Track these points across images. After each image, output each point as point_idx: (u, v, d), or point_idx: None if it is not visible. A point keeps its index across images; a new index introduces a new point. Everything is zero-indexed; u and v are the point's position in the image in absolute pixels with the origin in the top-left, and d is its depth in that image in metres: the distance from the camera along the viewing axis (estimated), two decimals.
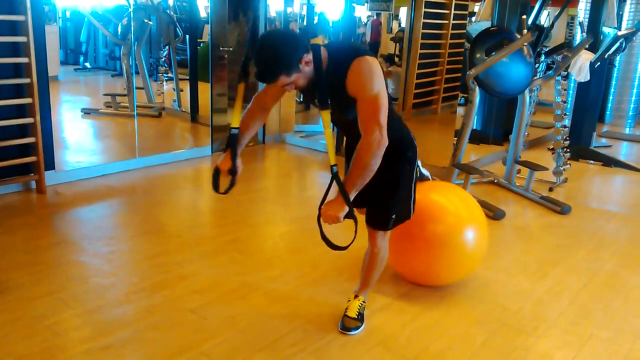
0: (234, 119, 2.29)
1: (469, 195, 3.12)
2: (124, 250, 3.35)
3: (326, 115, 2.17)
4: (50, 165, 4.30)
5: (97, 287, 2.87)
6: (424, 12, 6.26)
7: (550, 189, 4.90)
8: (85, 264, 3.12)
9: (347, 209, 2.12)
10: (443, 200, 2.94)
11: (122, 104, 6.03)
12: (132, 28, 5.60)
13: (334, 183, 2.18)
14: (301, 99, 6.94)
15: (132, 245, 3.43)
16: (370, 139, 2.09)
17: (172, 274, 3.04)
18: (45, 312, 2.59)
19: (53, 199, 4.11)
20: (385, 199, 2.42)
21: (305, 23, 6.98)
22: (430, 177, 3.12)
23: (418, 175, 2.98)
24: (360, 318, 2.62)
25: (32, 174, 4.15)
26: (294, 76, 2.04)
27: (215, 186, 2.32)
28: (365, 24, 7.27)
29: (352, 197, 2.12)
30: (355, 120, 2.17)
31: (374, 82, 2.09)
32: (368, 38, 7.47)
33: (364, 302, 2.67)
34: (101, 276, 2.98)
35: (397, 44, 8.32)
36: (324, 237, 2.25)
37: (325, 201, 2.21)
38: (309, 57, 2.05)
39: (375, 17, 7.87)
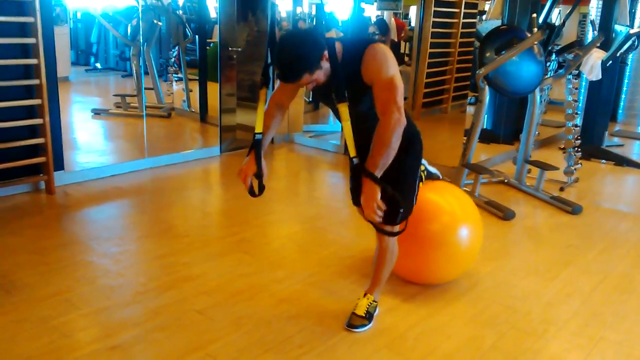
0: (258, 124, 2.34)
1: (463, 193, 3.10)
2: (132, 250, 3.35)
3: (344, 107, 2.20)
4: (59, 165, 4.32)
5: (105, 287, 2.87)
6: (434, 11, 6.22)
7: (561, 189, 4.85)
8: (93, 265, 3.12)
9: (379, 190, 2.16)
10: (438, 199, 2.92)
11: (132, 104, 6.05)
12: (141, 29, 5.62)
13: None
14: (310, 99, 6.93)
15: (140, 246, 3.43)
16: (390, 119, 2.14)
17: (180, 275, 3.04)
18: (52, 313, 2.60)
19: (62, 199, 4.13)
20: (395, 191, 2.40)
21: (314, 23, 6.96)
22: (440, 175, 3.09)
23: (426, 174, 2.98)
24: (368, 317, 2.61)
25: (42, 175, 4.17)
26: (316, 73, 2.11)
27: (251, 191, 2.40)
28: (375, 23, 7.23)
29: (378, 174, 2.17)
30: (369, 112, 2.22)
31: (389, 65, 2.15)
32: (395, 38, 7.44)
33: (374, 301, 2.66)
34: (109, 277, 2.99)
35: (407, 43, 8.29)
36: (378, 230, 2.43)
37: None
38: (327, 53, 2.12)
39: (395, 17, 7.84)
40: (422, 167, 2.98)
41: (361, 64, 2.15)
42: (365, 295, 2.66)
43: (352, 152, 2.25)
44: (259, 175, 2.34)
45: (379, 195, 2.17)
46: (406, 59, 7.74)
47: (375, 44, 2.16)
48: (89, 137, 5.88)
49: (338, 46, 2.19)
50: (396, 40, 7.41)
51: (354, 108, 2.27)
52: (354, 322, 2.59)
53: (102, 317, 2.60)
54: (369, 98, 2.20)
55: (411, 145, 2.40)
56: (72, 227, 3.70)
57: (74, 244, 3.40)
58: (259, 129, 2.34)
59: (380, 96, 2.16)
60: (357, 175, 2.25)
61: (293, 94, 2.47)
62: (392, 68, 2.15)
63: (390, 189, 2.20)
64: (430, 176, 3.02)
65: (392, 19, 7.49)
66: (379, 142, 2.16)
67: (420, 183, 2.94)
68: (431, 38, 6.35)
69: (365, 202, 2.19)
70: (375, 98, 2.18)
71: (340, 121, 2.35)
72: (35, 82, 3.97)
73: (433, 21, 6.29)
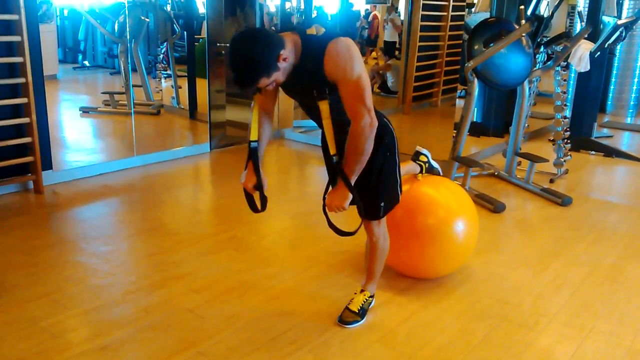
0: (252, 131, 2.27)
1: (459, 187, 3.10)
2: (121, 249, 3.33)
3: (325, 105, 2.13)
4: (47, 165, 4.28)
5: (94, 287, 2.85)
6: (423, 4, 6.22)
7: (551, 181, 4.87)
8: (82, 264, 3.10)
9: (351, 196, 2.17)
10: (433, 193, 2.92)
11: (120, 102, 6.00)
12: (128, 25, 5.57)
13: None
14: None
15: (130, 245, 3.41)
16: (362, 124, 2.10)
17: (170, 273, 3.03)
18: (41, 314, 2.58)
19: (50, 198, 4.10)
20: (372, 189, 2.39)
21: (303, 18, 6.93)
22: (440, 171, 3.07)
23: (427, 166, 2.96)
24: (361, 313, 2.61)
25: (30, 174, 4.14)
26: (274, 75, 2.01)
27: (252, 207, 2.37)
28: (366, 17, 7.24)
29: (352, 182, 2.16)
30: (334, 105, 2.14)
31: (354, 64, 2.05)
32: (372, 35, 7.45)
33: (370, 297, 2.66)
34: (98, 276, 2.97)
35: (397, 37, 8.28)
36: (331, 226, 2.29)
37: (328, 191, 2.24)
38: (285, 53, 2.00)
39: (374, 12, 7.85)
40: (425, 159, 2.98)
41: (323, 62, 2.04)
42: (361, 291, 2.66)
43: (332, 150, 2.19)
44: (258, 187, 2.30)
45: (348, 201, 2.18)
46: (396, 52, 7.73)
47: (338, 38, 2.04)
48: (77, 135, 5.83)
49: (296, 40, 2.06)
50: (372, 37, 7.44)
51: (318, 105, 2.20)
52: (346, 317, 2.59)
53: (92, 317, 2.58)
54: (334, 93, 2.10)
55: (380, 138, 2.31)
56: (61, 227, 3.67)
57: (63, 243, 3.37)
58: (253, 136, 2.27)
59: (347, 98, 2.08)
60: (335, 175, 2.23)
61: (274, 97, 2.37)
62: (358, 66, 2.04)
63: (358, 199, 2.20)
64: (431, 170, 3.00)
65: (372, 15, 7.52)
66: (354, 149, 2.13)
67: (420, 174, 2.94)
68: (420, 31, 6.35)
69: (332, 201, 2.19)
70: (343, 99, 2.10)
71: (313, 115, 2.30)
72: (21, 80, 3.93)
73: (422, 14, 6.29)
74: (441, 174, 3.08)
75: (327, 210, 2.26)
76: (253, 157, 2.30)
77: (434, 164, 3.03)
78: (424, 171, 2.96)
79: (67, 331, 2.47)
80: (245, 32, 2.02)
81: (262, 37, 1.98)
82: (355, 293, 2.67)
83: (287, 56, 2.02)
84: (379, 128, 2.33)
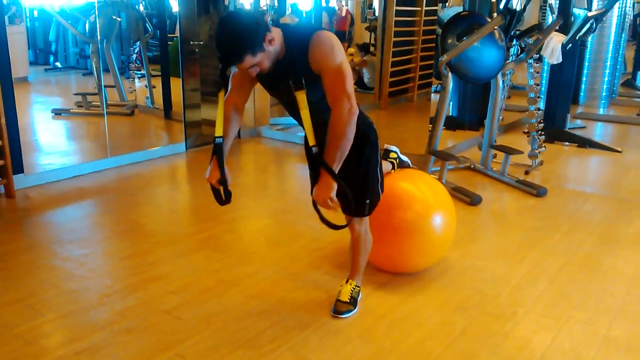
0: (217, 127, 2.24)
1: (436, 181, 3.11)
2: (96, 252, 3.28)
3: (302, 95, 2.14)
4: (18, 168, 4.20)
5: (69, 291, 2.80)
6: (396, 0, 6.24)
7: (526, 172, 4.92)
8: (56, 268, 3.04)
9: (335, 185, 2.16)
10: (411, 188, 2.93)
11: (93, 103, 5.91)
12: (100, 25, 5.49)
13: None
14: None
15: (105, 247, 3.36)
16: (341, 109, 2.10)
17: (146, 275, 2.99)
18: (15, 320, 2.52)
19: (22, 203, 4.02)
20: (357, 187, 2.41)
21: (276, 16, 6.90)
22: (410, 163, 3.11)
23: (398, 162, 2.99)
24: (353, 302, 2.63)
25: (0, 179, 4.05)
26: (259, 56, 2.02)
27: (219, 200, 2.34)
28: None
29: (335, 169, 2.15)
30: (319, 102, 2.17)
31: (336, 53, 2.09)
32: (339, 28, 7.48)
33: (357, 286, 2.68)
34: (73, 280, 2.91)
35: (372, 33, 8.30)
36: (323, 220, 2.28)
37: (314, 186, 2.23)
38: (271, 35, 2.03)
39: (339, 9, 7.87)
40: (395, 155, 3.01)
41: (308, 53, 2.09)
42: (347, 281, 2.68)
43: (312, 141, 2.21)
44: (222, 181, 2.28)
45: (334, 191, 2.17)
46: (372, 48, 7.75)
47: (320, 31, 2.11)
48: (50, 138, 5.73)
49: (278, 32, 2.11)
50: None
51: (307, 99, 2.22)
52: (339, 308, 2.61)
53: (67, 321, 2.54)
54: (319, 87, 2.15)
55: (366, 136, 2.39)
56: (33, 231, 3.60)
57: (36, 248, 3.31)
58: (218, 132, 2.24)
59: (330, 85, 2.12)
60: (316, 166, 2.23)
61: (247, 94, 2.36)
62: (339, 55, 2.09)
63: (345, 185, 2.19)
64: (402, 164, 3.05)
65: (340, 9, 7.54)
66: (334, 135, 2.13)
67: (393, 170, 2.97)
68: (395, 27, 6.37)
69: (318, 195, 2.18)
70: (325, 87, 2.13)
71: (293, 111, 2.30)
72: None
73: (396, 9, 6.31)
74: (411, 166, 3.13)
75: (317, 206, 2.25)
76: (217, 152, 2.27)
77: (403, 157, 3.08)
78: (396, 167, 2.99)
79: (42, 337, 2.42)
80: (233, 11, 2.07)
81: (249, 15, 2.05)
82: (342, 285, 2.69)
83: (273, 38, 2.04)
84: (365, 128, 2.36)
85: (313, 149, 2.21)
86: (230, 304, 2.72)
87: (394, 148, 3.04)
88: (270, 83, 2.27)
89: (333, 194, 2.17)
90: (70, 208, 4.02)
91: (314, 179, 2.32)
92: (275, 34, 2.08)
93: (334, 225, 2.30)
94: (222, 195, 2.33)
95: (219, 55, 2.00)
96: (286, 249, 3.35)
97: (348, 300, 2.62)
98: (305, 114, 2.17)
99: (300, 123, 2.23)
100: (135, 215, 3.91)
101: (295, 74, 2.12)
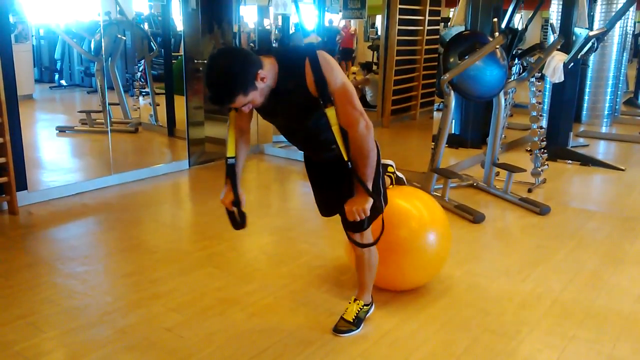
0: (229, 148, 2.25)
1: (431, 198, 3.10)
2: (98, 269, 3.27)
3: (332, 111, 2.11)
4: (22, 185, 4.21)
5: (70, 309, 2.79)
6: (399, 19, 6.28)
7: (529, 190, 4.91)
8: (57, 286, 3.04)
9: (371, 200, 2.18)
10: (406, 205, 2.92)
11: (97, 120, 5.94)
12: (104, 44, 5.54)
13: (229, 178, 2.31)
14: None
15: (107, 265, 3.36)
16: (359, 128, 2.12)
17: (148, 292, 2.98)
18: (15, 338, 2.51)
19: (26, 219, 4.02)
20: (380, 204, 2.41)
21: (280, 34, 6.95)
22: (405, 180, 3.13)
23: (395, 177, 3.00)
24: (356, 322, 2.61)
25: (3, 195, 4.06)
26: (251, 94, 1.99)
27: (234, 224, 2.36)
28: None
29: (369, 185, 2.18)
30: (318, 124, 2.16)
31: (335, 72, 2.08)
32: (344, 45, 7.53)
33: (365, 305, 2.65)
34: (74, 297, 2.90)
35: (375, 52, 8.36)
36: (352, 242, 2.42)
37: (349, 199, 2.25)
38: (263, 72, 1.99)
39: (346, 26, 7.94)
40: (392, 169, 3.02)
41: (305, 78, 2.06)
42: (355, 300, 2.65)
43: (346, 156, 2.18)
44: (236, 203, 2.28)
45: (369, 206, 2.19)
46: (374, 67, 7.79)
47: (310, 55, 2.06)
48: (54, 155, 5.75)
49: (272, 62, 2.06)
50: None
51: (303, 122, 2.23)
52: (340, 327, 2.59)
53: (68, 339, 2.52)
54: (317, 111, 2.12)
55: None
56: (36, 248, 3.60)
57: (38, 265, 3.30)
58: (230, 153, 2.25)
59: (340, 105, 2.10)
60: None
61: (249, 116, 2.34)
62: (339, 74, 2.08)
63: (382, 206, 2.26)
64: (398, 181, 3.05)
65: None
66: (360, 155, 2.15)
67: (390, 185, 2.96)
68: (397, 46, 6.40)
69: (351, 208, 2.20)
70: (336, 108, 2.11)
71: (297, 141, 2.34)
72: None
73: (398, 29, 6.35)
74: (406, 183, 3.14)
75: (347, 218, 2.26)
76: (230, 173, 2.27)
77: (399, 173, 3.09)
78: (393, 182, 3.00)
79: (42, 355, 2.41)
80: (223, 49, 2.04)
81: (240, 54, 2.00)
82: (349, 302, 2.67)
83: (265, 76, 2.01)
84: None
85: (349, 163, 2.18)
86: (232, 321, 2.70)
87: (390, 162, 3.05)
88: (267, 112, 2.25)
89: (367, 208, 2.20)
90: (73, 225, 4.03)
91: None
92: (268, 65, 2.04)
93: (361, 244, 2.43)
94: (237, 217, 2.31)
95: (210, 95, 1.96)
96: (288, 267, 3.34)
97: (352, 320, 2.60)
98: (336, 130, 2.16)
99: (296, 144, 2.23)
100: (138, 232, 3.90)
101: (303, 99, 2.10)
